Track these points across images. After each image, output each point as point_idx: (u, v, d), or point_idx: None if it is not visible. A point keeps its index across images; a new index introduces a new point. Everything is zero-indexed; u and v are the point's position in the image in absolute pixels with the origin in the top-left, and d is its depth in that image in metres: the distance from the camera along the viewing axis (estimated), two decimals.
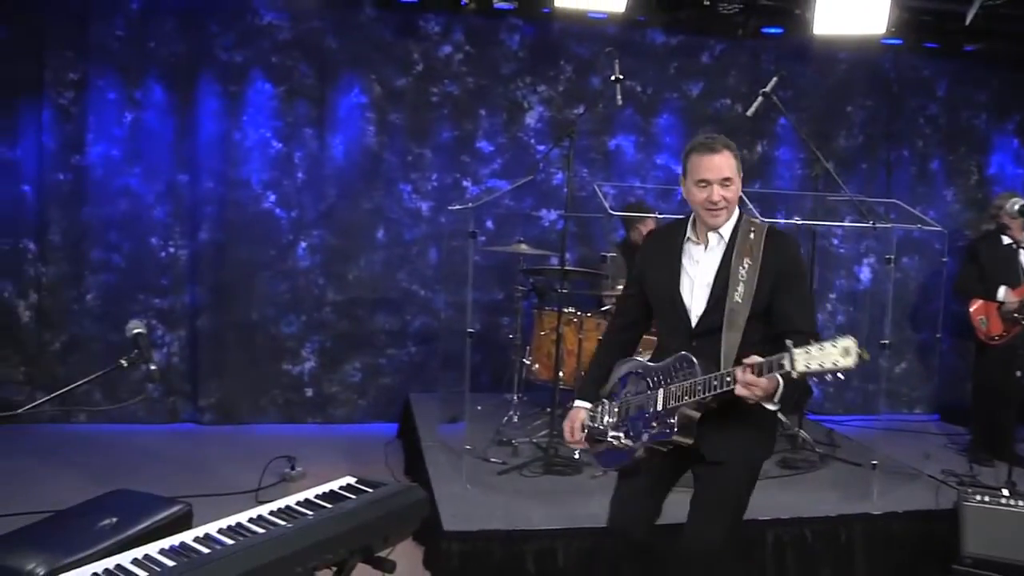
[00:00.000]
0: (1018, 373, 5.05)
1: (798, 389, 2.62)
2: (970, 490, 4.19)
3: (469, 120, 6.62)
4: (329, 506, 2.33)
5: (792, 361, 2.40)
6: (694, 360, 2.73)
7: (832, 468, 5.12)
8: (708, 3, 6.15)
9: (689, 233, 2.95)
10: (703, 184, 2.82)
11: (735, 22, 6.37)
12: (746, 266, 2.81)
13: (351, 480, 2.54)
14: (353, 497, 2.41)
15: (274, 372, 6.46)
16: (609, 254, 5.81)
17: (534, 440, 5.16)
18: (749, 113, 5.20)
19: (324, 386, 6.55)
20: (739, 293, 2.78)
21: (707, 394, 2.65)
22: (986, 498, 4.04)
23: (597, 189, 5.65)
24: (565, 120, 6.55)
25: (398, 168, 6.55)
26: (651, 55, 6.81)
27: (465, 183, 6.63)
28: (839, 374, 2.39)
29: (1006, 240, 5.58)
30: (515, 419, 5.49)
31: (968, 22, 5.81)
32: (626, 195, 6.66)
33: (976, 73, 7.28)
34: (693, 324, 2.86)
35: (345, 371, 6.59)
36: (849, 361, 2.33)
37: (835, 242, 7.17)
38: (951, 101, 7.32)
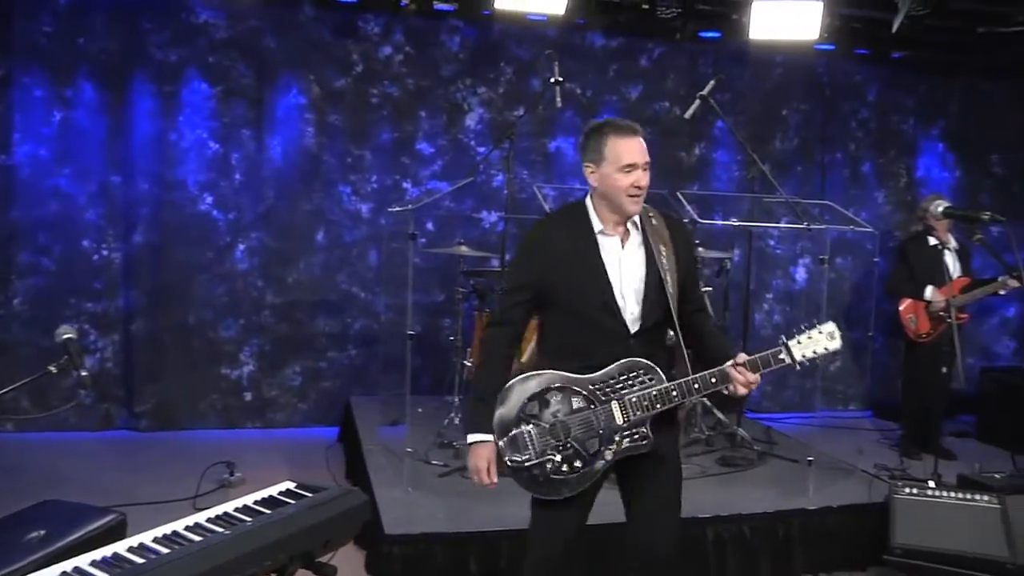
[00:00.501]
0: (944, 370, 5.22)
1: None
2: (900, 483, 4.32)
3: (409, 122, 6.58)
4: (268, 512, 2.29)
5: (790, 352, 2.59)
6: (653, 366, 2.64)
7: (770, 465, 5.21)
8: (647, 7, 6.20)
9: (598, 225, 2.72)
10: (629, 168, 2.63)
11: (673, 26, 6.44)
12: (664, 254, 2.71)
13: (291, 485, 2.51)
14: (292, 502, 2.37)
15: (212, 376, 6.35)
16: None
17: None
18: (687, 116, 5.27)
19: (264, 390, 6.46)
20: (670, 283, 2.68)
21: (688, 398, 2.62)
22: (914, 490, 4.17)
23: (537, 191, 5.68)
24: (505, 122, 6.55)
25: (338, 169, 6.48)
26: (591, 58, 6.86)
27: (405, 185, 6.60)
28: (830, 356, 2.62)
29: (932, 241, 5.74)
30: (456, 421, 5.47)
31: (895, 30, 5.96)
32: (566, 196, 6.67)
33: (904, 79, 7.49)
34: (631, 326, 2.67)
35: (285, 375, 6.50)
36: (836, 343, 2.58)
37: (771, 243, 7.31)
38: (881, 106, 7.52)
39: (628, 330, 2.68)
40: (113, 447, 5.84)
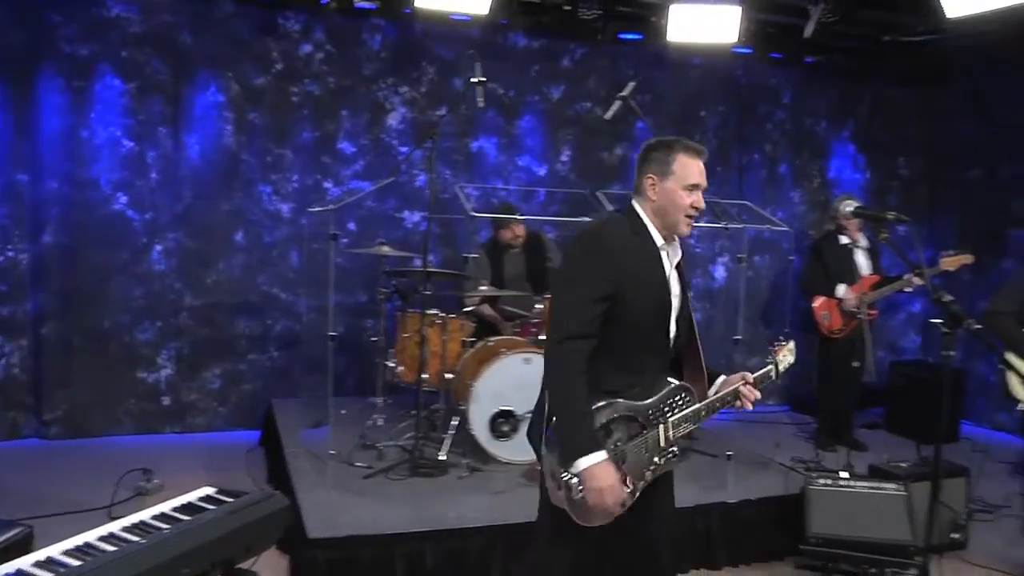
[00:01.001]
0: (855, 364, 5.40)
1: None
2: (815, 475, 4.46)
3: (331, 120, 6.51)
4: (187, 518, 2.26)
5: (777, 368, 2.88)
6: (690, 388, 2.71)
7: (691, 460, 5.31)
8: (568, 8, 6.26)
9: (659, 240, 2.69)
10: (693, 188, 2.64)
11: (594, 27, 6.51)
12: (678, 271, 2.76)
13: (210, 491, 2.47)
14: (212, 508, 2.34)
15: (128, 381, 6.17)
16: (472, 255, 5.85)
17: (399, 443, 5.14)
18: (607, 116, 5.34)
19: (182, 394, 6.31)
20: (690, 300, 2.78)
21: (708, 416, 2.73)
22: (828, 481, 4.31)
23: (459, 191, 5.68)
24: (428, 121, 6.54)
25: (257, 169, 6.37)
26: (513, 58, 6.89)
27: (326, 184, 6.53)
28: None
29: (844, 240, 5.95)
30: (380, 423, 5.45)
31: (808, 35, 6.15)
32: (489, 196, 6.72)
33: (817, 83, 7.72)
34: (671, 340, 2.70)
35: (204, 378, 6.36)
36: (793, 357, 2.95)
37: (691, 242, 7.45)
38: (796, 108, 7.74)
39: (669, 344, 2.71)
40: (21, 457, 5.62)
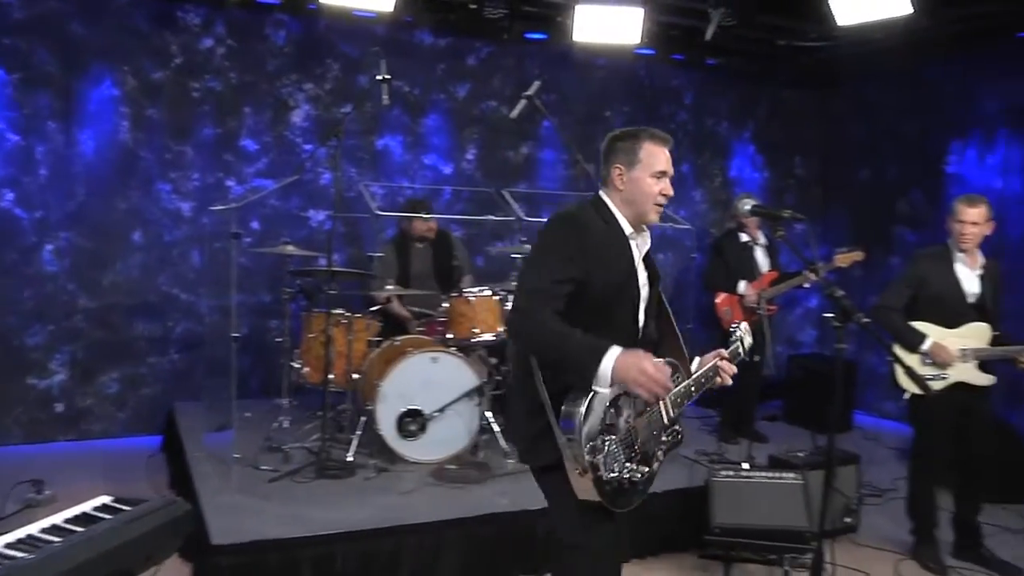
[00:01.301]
0: (756, 358, 5.56)
1: None
2: (718, 467, 4.57)
3: (233, 117, 6.36)
4: (80, 530, 2.17)
5: (743, 342, 2.92)
6: (677, 364, 2.69)
7: None
8: (474, 7, 6.27)
9: (628, 228, 2.68)
10: (661, 175, 2.65)
11: (500, 26, 6.54)
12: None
13: (107, 499, 2.39)
14: (108, 517, 2.26)
15: (18, 388, 5.90)
16: (377, 254, 5.80)
17: (306, 445, 5.06)
18: (513, 115, 5.35)
19: (77, 400, 6.07)
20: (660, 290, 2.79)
21: (697, 393, 2.71)
22: (731, 473, 4.44)
23: (364, 189, 5.63)
24: (332, 119, 6.46)
25: (156, 166, 6.18)
26: (419, 56, 6.86)
27: (229, 183, 6.38)
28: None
29: (744, 238, 6.12)
30: (285, 424, 5.36)
31: (708, 38, 6.31)
32: (395, 195, 6.68)
33: (718, 84, 7.94)
34: (640, 330, 2.68)
35: (101, 383, 6.14)
36: (750, 337, 2.97)
37: None
38: (697, 109, 7.94)
39: (638, 337, 2.68)
40: None
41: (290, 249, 5.28)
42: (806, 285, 5.92)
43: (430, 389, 4.92)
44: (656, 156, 2.65)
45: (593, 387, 2.35)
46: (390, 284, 5.54)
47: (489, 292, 5.28)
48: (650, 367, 2.32)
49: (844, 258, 5.59)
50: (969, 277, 4.36)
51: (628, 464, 2.48)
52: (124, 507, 2.34)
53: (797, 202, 8.25)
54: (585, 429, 2.34)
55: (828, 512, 3.21)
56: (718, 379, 2.76)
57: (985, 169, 6.89)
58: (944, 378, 4.31)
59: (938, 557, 4.44)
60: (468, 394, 5.00)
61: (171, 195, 6.24)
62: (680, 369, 2.71)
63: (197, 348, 6.31)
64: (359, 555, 3.91)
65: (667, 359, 2.61)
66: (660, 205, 2.67)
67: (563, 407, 2.40)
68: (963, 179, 7.03)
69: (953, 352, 4.28)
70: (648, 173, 2.64)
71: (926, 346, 4.30)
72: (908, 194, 7.55)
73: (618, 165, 2.67)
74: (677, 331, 2.78)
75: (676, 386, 2.64)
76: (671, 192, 2.68)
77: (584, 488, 2.41)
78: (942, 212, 4.64)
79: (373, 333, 5.37)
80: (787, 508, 4.26)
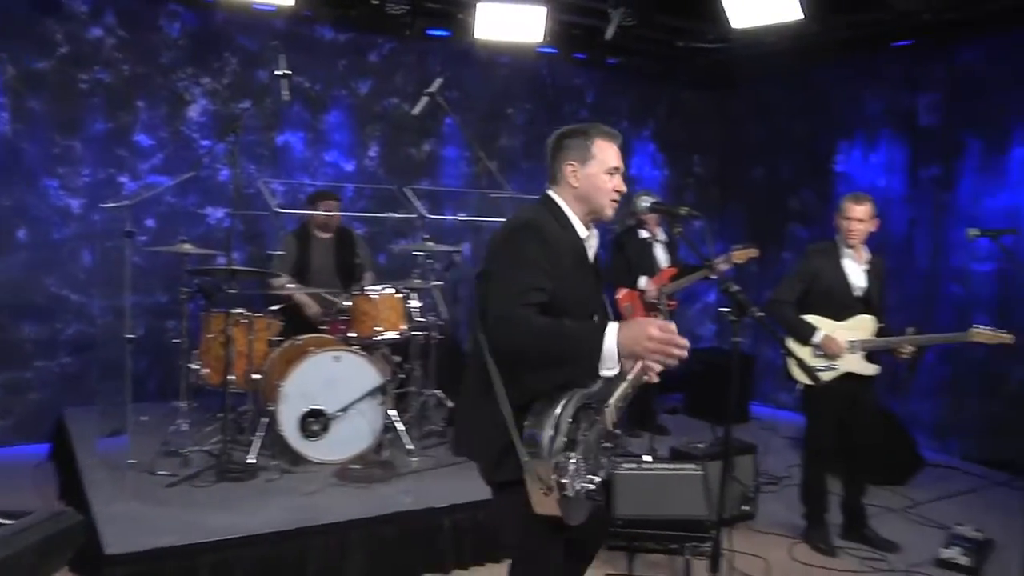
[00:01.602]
0: None
1: None
2: (620, 460, 4.65)
3: (125, 111, 6.14)
4: None
5: None
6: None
7: None
8: (376, 2, 6.21)
9: (582, 232, 2.66)
10: (614, 171, 2.65)
11: (403, 22, 6.49)
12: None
13: None
14: None
15: None
16: (277, 252, 5.69)
17: (205, 448, 4.93)
18: (415, 112, 5.36)
19: None
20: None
21: (632, 395, 2.66)
22: (633, 465, 4.52)
23: (263, 186, 5.53)
24: (231, 114, 6.31)
25: (41, 161, 5.91)
26: (320, 51, 6.77)
27: (122, 179, 6.15)
28: None
29: (644, 234, 6.24)
30: (184, 427, 5.21)
31: (609, 37, 6.41)
32: (295, 192, 6.57)
33: (618, 84, 8.07)
34: None
35: None
36: None
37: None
38: (599, 107, 8.05)
39: None
40: None
41: (187, 248, 5.13)
42: (714, 276, 6.06)
43: (333, 388, 4.86)
44: (608, 152, 2.66)
45: (601, 371, 2.30)
46: (286, 276, 5.47)
47: (392, 290, 5.26)
48: (655, 330, 2.26)
49: (740, 255, 5.73)
50: (856, 272, 4.56)
51: (587, 476, 2.43)
52: (6, 520, 2.24)
53: (696, 200, 8.47)
54: (552, 447, 2.31)
55: (726, 501, 3.30)
56: (646, 377, 2.74)
57: (870, 168, 7.20)
58: (834, 369, 4.51)
59: (828, 539, 4.63)
60: (371, 393, 4.96)
61: (59, 191, 5.98)
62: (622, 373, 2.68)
63: (89, 351, 6.08)
64: (261, 560, 3.83)
65: None
66: (615, 201, 2.68)
67: (525, 424, 2.36)
68: (850, 178, 7.34)
69: (842, 344, 4.47)
70: (602, 169, 2.64)
71: (818, 338, 4.48)
72: (799, 192, 7.84)
73: (571, 162, 2.66)
74: None
75: (617, 390, 2.61)
76: (624, 188, 2.69)
77: (544, 504, 2.37)
78: (831, 209, 4.83)
79: (274, 332, 5.27)
80: (687, 498, 4.36)
